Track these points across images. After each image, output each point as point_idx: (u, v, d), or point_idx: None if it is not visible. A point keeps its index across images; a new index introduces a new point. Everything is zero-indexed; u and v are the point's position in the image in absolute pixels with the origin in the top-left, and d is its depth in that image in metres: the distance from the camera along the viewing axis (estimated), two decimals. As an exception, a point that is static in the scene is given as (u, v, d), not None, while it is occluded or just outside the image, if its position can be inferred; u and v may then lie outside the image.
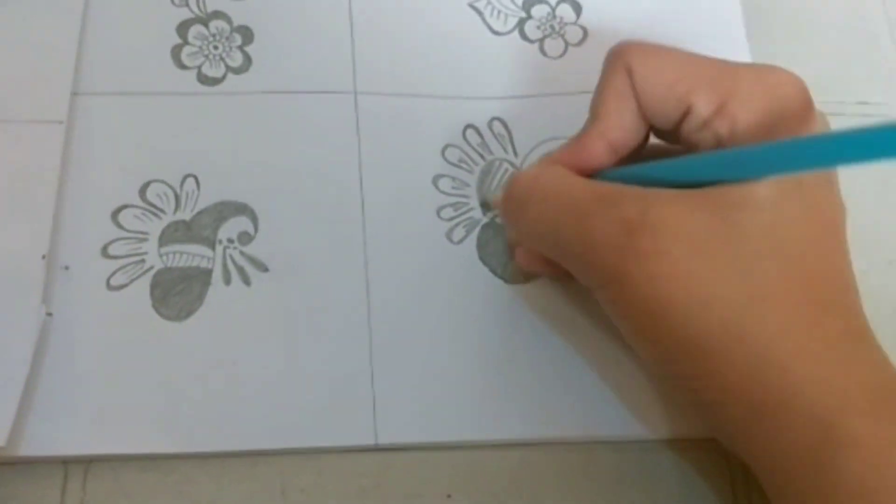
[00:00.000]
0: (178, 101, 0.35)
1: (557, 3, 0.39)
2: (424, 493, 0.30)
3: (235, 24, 0.37)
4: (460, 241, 0.34)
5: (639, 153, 0.30)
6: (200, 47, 0.36)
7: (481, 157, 0.36)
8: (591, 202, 0.28)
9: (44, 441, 0.29)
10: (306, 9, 0.37)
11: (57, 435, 0.30)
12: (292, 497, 0.30)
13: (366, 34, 0.37)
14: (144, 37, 0.36)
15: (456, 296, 0.33)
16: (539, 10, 0.39)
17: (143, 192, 0.33)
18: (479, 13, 0.38)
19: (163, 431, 0.30)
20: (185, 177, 0.34)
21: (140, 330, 0.31)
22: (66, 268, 0.32)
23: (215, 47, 0.36)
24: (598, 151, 0.29)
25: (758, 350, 0.26)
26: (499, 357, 0.32)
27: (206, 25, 0.37)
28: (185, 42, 0.36)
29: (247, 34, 0.37)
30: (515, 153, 0.36)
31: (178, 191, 0.34)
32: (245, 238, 0.33)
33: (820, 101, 0.28)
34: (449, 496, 0.31)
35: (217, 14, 0.37)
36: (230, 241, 0.33)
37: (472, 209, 0.35)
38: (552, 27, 0.39)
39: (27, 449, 0.29)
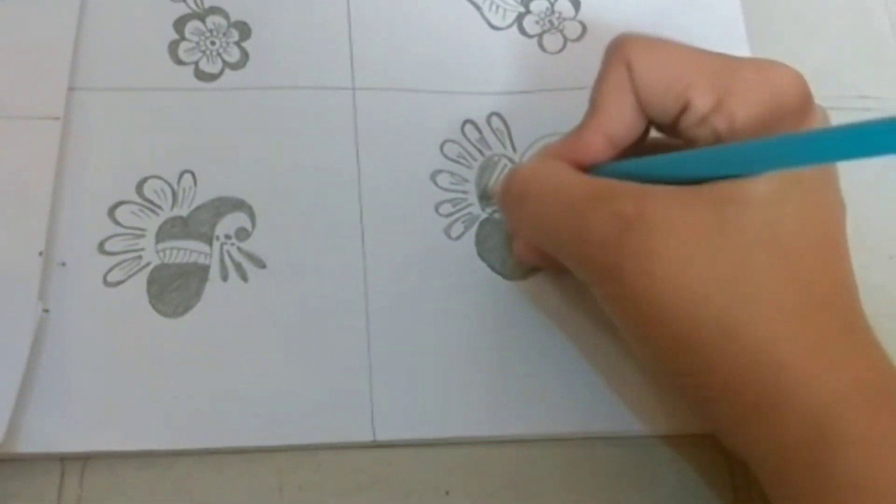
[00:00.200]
0: (175, 97, 0.35)
1: (556, -2, 0.39)
2: (422, 489, 0.30)
3: (232, 19, 0.37)
4: (459, 237, 0.34)
5: (639, 147, 0.30)
6: (197, 43, 0.36)
7: (480, 152, 0.36)
8: (586, 198, 0.28)
9: (41, 438, 0.29)
10: (304, 4, 0.37)
11: (54, 432, 0.29)
12: (290, 494, 0.30)
13: (364, 29, 0.37)
14: (141, 32, 0.36)
15: (454, 292, 0.33)
16: (538, 5, 0.39)
17: (139, 188, 0.33)
18: (478, 8, 0.38)
19: (160, 428, 0.30)
20: (182, 173, 0.34)
21: (137, 326, 0.31)
22: (63, 264, 0.32)
23: (212, 43, 0.36)
24: (597, 145, 0.29)
25: (751, 347, 0.26)
26: (497, 353, 0.32)
27: (203, 21, 0.37)
28: (182, 37, 0.36)
29: (244, 30, 0.37)
30: (514, 149, 0.36)
31: (175, 187, 0.33)
32: (242, 234, 0.33)
33: (819, 95, 0.28)
34: (447, 493, 0.30)
35: (214, 9, 0.37)
36: (227, 237, 0.33)
37: (470, 205, 0.35)
38: (551, 22, 0.38)
39: (24, 446, 0.29)
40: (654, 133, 0.31)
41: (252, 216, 0.33)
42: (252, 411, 0.30)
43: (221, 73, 0.36)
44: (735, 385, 0.26)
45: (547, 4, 0.39)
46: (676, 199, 0.26)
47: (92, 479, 0.30)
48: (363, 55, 0.36)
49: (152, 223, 0.33)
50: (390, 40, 0.37)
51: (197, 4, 0.37)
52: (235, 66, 0.36)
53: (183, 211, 0.33)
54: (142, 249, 0.32)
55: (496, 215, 0.34)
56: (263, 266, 0.33)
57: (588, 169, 0.29)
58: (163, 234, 0.33)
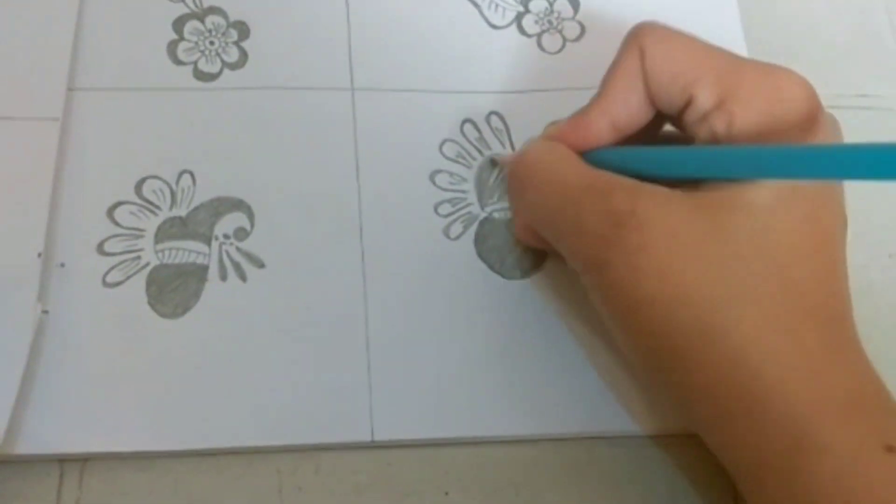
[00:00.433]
0: (173, 97, 0.35)
1: (555, -2, 0.39)
2: (422, 490, 0.30)
3: (231, 19, 0.37)
4: (458, 237, 0.34)
5: (650, 139, 0.30)
6: (196, 43, 0.36)
7: (479, 152, 0.35)
8: (583, 191, 0.28)
9: (40, 439, 0.29)
10: (302, 4, 0.37)
11: (53, 433, 0.29)
12: (289, 495, 0.30)
13: (362, 29, 0.37)
14: (140, 32, 0.36)
15: (453, 292, 0.33)
16: (537, 5, 0.39)
17: (138, 188, 0.33)
18: (477, 7, 0.38)
19: (159, 429, 0.30)
20: (181, 173, 0.34)
21: (136, 327, 0.31)
22: (62, 265, 0.32)
23: (211, 43, 0.36)
24: (600, 128, 0.29)
25: (731, 352, 0.26)
26: (496, 353, 0.32)
27: (202, 21, 0.37)
28: (181, 37, 0.36)
29: (243, 29, 0.36)
30: (513, 148, 0.36)
31: (173, 187, 0.33)
32: (241, 234, 0.33)
33: (819, 93, 0.27)
34: (446, 493, 0.30)
35: (213, 9, 0.37)
36: (226, 237, 0.33)
37: (469, 205, 0.35)
38: (550, 22, 0.38)
39: (23, 447, 0.29)
40: (668, 127, 0.31)
41: (251, 216, 0.33)
42: (251, 412, 0.30)
43: (220, 73, 0.36)
44: (714, 386, 0.26)
45: (546, 4, 0.39)
46: (671, 200, 0.26)
47: (91, 480, 0.30)
48: (362, 55, 0.36)
49: (151, 223, 0.33)
50: (389, 40, 0.37)
51: (196, 4, 0.37)
52: (234, 66, 0.36)
53: (182, 211, 0.33)
54: (141, 250, 0.32)
55: (496, 214, 0.34)
56: (262, 266, 0.33)
57: (589, 152, 0.29)
58: (162, 234, 0.33)
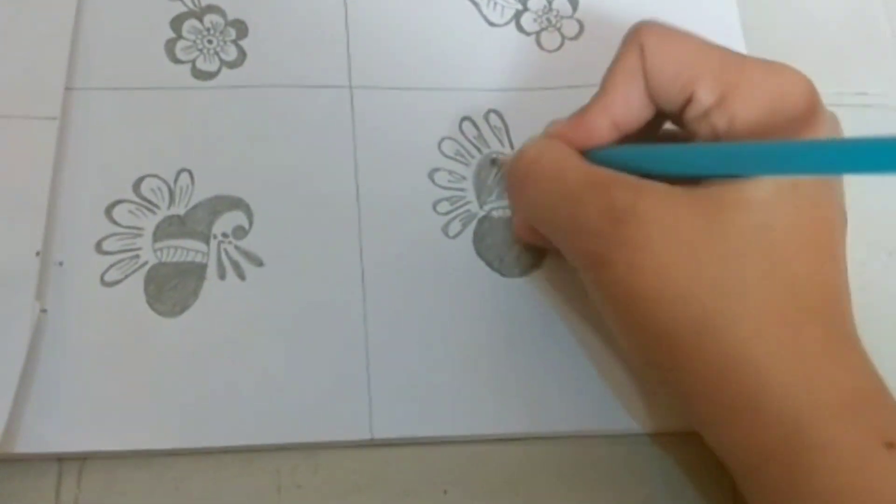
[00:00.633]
0: (172, 96, 0.35)
1: (554, -4, 0.39)
2: (420, 488, 0.30)
3: (230, 18, 0.37)
4: (456, 236, 0.34)
5: (650, 138, 0.30)
6: (194, 41, 0.36)
7: (478, 150, 0.35)
8: (583, 187, 0.28)
9: (38, 438, 0.29)
10: (301, 2, 0.37)
11: (51, 432, 0.29)
12: (288, 493, 0.30)
13: (361, 27, 0.37)
14: (138, 31, 0.36)
15: (452, 290, 0.33)
16: (536, 3, 0.39)
17: (136, 187, 0.33)
18: (476, 4, 0.38)
19: (158, 428, 0.30)
20: (180, 171, 0.34)
21: (135, 326, 0.31)
22: (61, 264, 0.32)
23: (209, 41, 0.36)
24: (601, 126, 0.29)
25: (730, 349, 0.26)
26: (495, 351, 0.32)
27: (200, 19, 0.36)
28: (179, 36, 0.36)
29: (241, 28, 0.36)
30: (512, 146, 0.36)
31: (172, 185, 0.33)
32: (240, 232, 0.33)
33: (818, 92, 0.27)
34: (445, 492, 0.30)
35: (211, 8, 0.37)
36: (225, 235, 0.33)
37: (468, 203, 0.35)
38: (549, 20, 0.38)
39: (21, 446, 0.29)
40: (669, 125, 0.31)
41: (249, 215, 0.33)
42: (250, 410, 0.30)
43: (219, 71, 0.36)
44: (712, 383, 0.26)
45: (545, 2, 0.39)
46: (670, 197, 0.26)
47: (90, 479, 0.29)
48: (360, 53, 0.36)
49: (149, 222, 0.33)
50: (388, 38, 0.37)
51: (194, 3, 0.37)
52: (232, 65, 0.36)
53: (180, 210, 0.33)
54: (139, 249, 0.32)
55: (494, 213, 0.34)
56: (261, 265, 0.33)
57: (589, 150, 0.29)
58: (160, 233, 0.33)
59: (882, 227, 0.36)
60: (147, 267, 0.32)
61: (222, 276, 0.32)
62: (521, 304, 0.33)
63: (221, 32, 0.36)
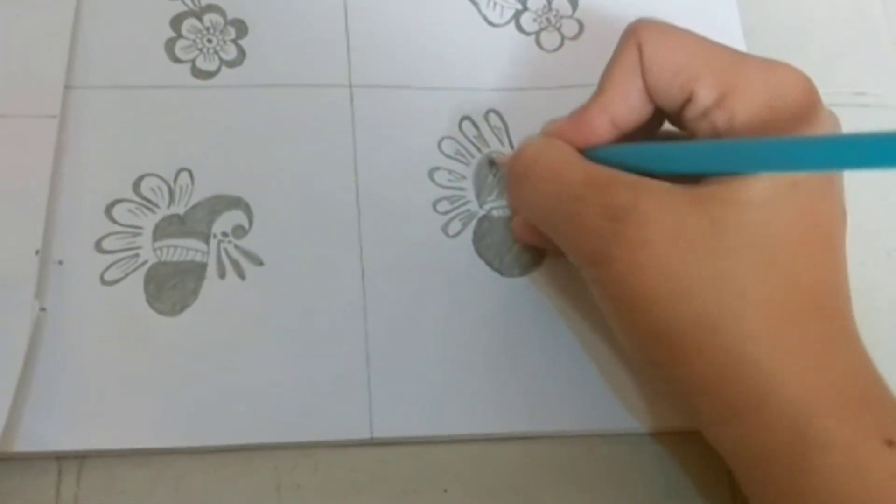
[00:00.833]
0: (172, 95, 0.35)
1: (553, -4, 0.39)
2: (420, 487, 0.30)
3: (229, 17, 0.37)
4: (456, 235, 0.34)
5: (647, 136, 0.30)
6: (194, 41, 0.36)
7: (478, 149, 0.35)
8: (583, 186, 0.28)
9: (38, 437, 0.29)
10: (301, 2, 0.37)
11: (51, 431, 0.29)
12: (287, 492, 0.30)
13: (361, 26, 0.37)
14: (138, 30, 0.36)
15: (452, 289, 0.33)
16: (535, 3, 0.39)
17: (136, 186, 0.33)
18: (475, 4, 0.38)
19: (157, 427, 0.30)
20: (179, 171, 0.34)
21: (134, 324, 0.31)
22: (60, 263, 0.32)
23: (209, 41, 0.36)
24: (599, 125, 0.29)
25: (731, 347, 0.26)
26: (495, 350, 0.32)
27: (199, 19, 0.36)
28: (179, 35, 0.36)
29: (241, 27, 0.36)
30: (512, 145, 0.36)
31: (171, 185, 0.33)
32: (239, 232, 0.33)
33: (818, 90, 0.27)
34: (445, 490, 0.30)
35: (211, 7, 0.37)
36: (224, 234, 0.33)
37: (468, 202, 0.35)
38: (548, 20, 0.38)
39: (21, 445, 0.29)
40: (667, 126, 0.31)
41: (249, 214, 0.33)
42: (249, 409, 0.30)
43: (218, 70, 0.36)
44: (713, 381, 0.26)
45: (544, 2, 0.39)
46: (670, 195, 0.26)
47: (89, 477, 0.29)
48: (360, 52, 0.36)
49: (149, 221, 0.33)
50: (387, 37, 0.37)
51: (193, 2, 0.37)
52: (232, 64, 0.36)
53: (180, 209, 0.33)
54: (139, 247, 0.32)
55: (494, 212, 0.34)
56: (261, 264, 0.33)
57: (588, 149, 0.29)
58: (160, 232, 0.33)
59: (882, 227, 0.36)
60: (147, 266, 0.32)
61: (222, 275, 0.32)
62: (521, 303, 0.33)
63: (221, 32, 0.36)
